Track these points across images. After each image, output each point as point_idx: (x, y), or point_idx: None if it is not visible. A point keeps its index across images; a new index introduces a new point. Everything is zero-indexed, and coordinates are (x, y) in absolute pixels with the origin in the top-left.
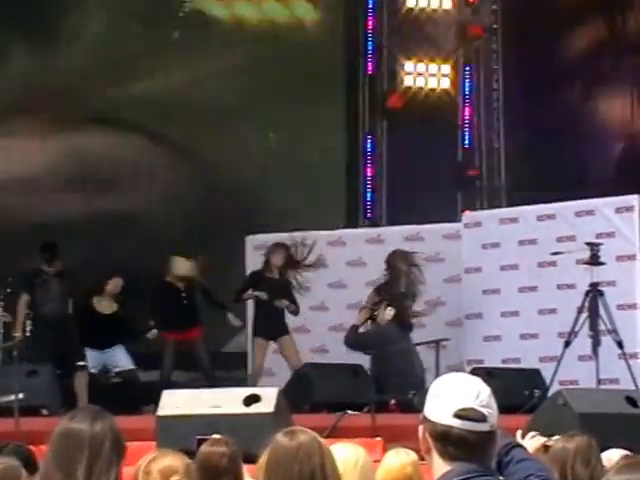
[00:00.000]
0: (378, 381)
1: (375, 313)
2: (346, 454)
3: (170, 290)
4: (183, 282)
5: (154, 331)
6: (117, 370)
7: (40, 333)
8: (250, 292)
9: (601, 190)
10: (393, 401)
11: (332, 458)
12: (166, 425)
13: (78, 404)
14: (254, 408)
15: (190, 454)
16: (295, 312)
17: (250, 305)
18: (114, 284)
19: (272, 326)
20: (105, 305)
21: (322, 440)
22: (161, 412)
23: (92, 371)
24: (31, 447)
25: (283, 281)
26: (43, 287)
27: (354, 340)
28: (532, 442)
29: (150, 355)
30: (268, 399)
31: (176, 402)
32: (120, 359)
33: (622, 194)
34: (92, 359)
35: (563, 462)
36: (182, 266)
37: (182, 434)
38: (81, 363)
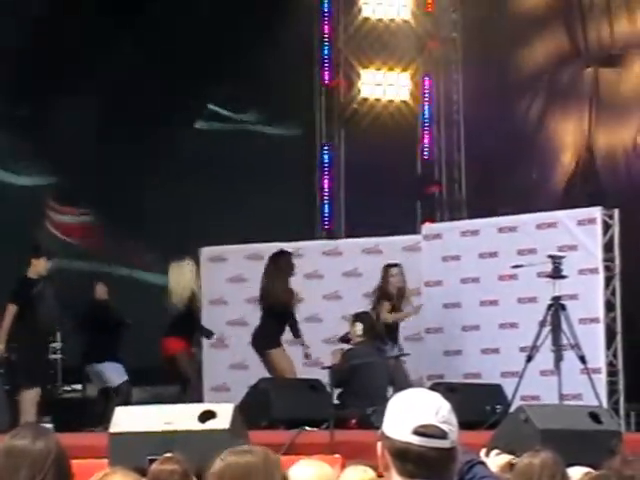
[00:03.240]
0: (338, 397)
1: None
2: (310, 472)
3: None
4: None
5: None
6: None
7: (38, 347)
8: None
9: (561, 203)
10: (354, 420)
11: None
12: (119, 442)
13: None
14: (209, 424)
15: (142, 472)
16: None
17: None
18: (101, 290)
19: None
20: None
21: (275, 458)
22: (114, 429)
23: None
24: None
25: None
26: (40, 297)
27: (335, 382)
28: (497, 460)
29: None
30: (224, 415)
31: (130, 418)
32: (117, 375)
33: (581, 207)
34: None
35: (529, 478)
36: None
37: (135, 451)
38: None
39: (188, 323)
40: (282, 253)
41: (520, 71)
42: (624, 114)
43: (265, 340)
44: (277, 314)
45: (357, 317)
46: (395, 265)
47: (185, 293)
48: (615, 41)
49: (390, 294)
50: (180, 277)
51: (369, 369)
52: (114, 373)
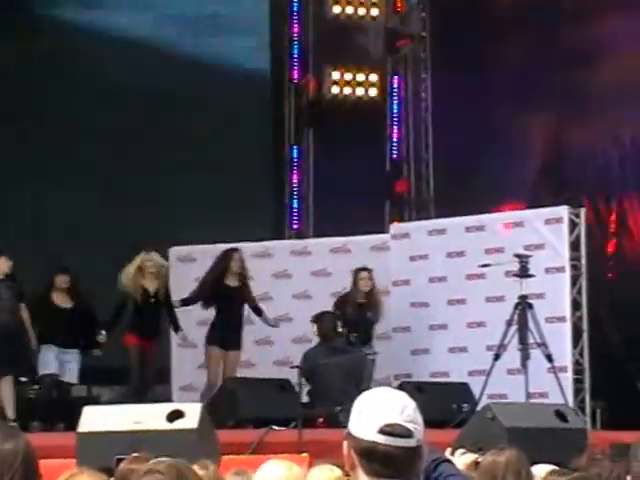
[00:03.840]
0: (307, 395)
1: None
2: (279, 472)
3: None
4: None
5: (103, 333)
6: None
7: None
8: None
9: (529, 202)
10: (321, 419)
11: None
12: (86, 442)
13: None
14: (178, 424)
15: (110, 472)
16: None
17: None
18: (62, 279)
19: (227, 337)
20: (62, 299)
21: (189, 472)
22: (82, 429)
23: (49, 372)
24: None
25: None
26: None
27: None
28: (462, 459)
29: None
30: (192, 415)
31: (97, 418)
32: (72, 373)
33: (548, 206)
34: (49, 359)
35: (493, 475)
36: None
37: (103, 451)
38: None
39: (137, 318)
40: (224, 251)
41: (489, 69)
42: (593, 114)
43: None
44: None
45: (315, 318)
46: (364, 269)
47: (128, 288)
48: (585, 40)
49: (352, 299)
50: (125, 271)
51: (326, 370)
52: (41, 361)
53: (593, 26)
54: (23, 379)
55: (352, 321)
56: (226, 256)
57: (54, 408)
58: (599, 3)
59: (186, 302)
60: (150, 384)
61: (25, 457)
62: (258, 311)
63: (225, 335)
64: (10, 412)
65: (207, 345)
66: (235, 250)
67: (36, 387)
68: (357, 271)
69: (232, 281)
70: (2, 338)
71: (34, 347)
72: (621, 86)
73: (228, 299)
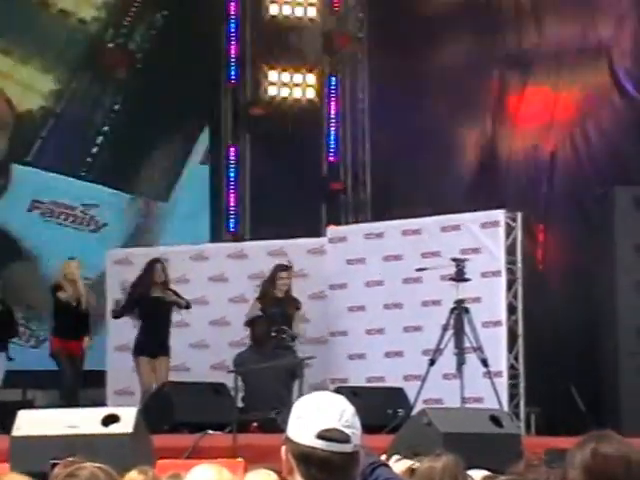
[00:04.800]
0: (242, 400)
1: None
2: (208, 476)
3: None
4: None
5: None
6: None
7: None
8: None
9: (465, 205)
10: (255, 424)
11: None
12: (20, 446)
13: None
14: (113, 428)
15: (44, 477)
16: (187, 306)
17: (115, 321)
18: None
19: (152, 345)
20: None
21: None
22: (16, 432)
23: None
24: None
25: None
26: None
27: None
28: (397, 465)
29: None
30: (127, 419)
31: (32, 422)
32: None
33: (485, 209)
34: None
35: None
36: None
37: (37, 456)
38: None
39: (58, 321)
40: (147, 264)
41: (427, 72)
42: (528, 119)
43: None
44: None
45: (249, 322)
46: (286, 268)
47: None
48: (522, 47)
49: (269, 296)
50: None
51: (259, 374)
52: None
53: (530, 32)
54: None
55: (274, 316)
56: (149, 269)
57: None
58: (537, 9)
59: (116, 315)
60: (78, 387)
61: None
62: (187, 307)
63: (152, 343)
64: None
65: (135, 356)
66: (157, 261)
67: None
68: (276, 269)
69: (156, 292)
70: None
71: None
72: (555, 95)
73: (153, 309)
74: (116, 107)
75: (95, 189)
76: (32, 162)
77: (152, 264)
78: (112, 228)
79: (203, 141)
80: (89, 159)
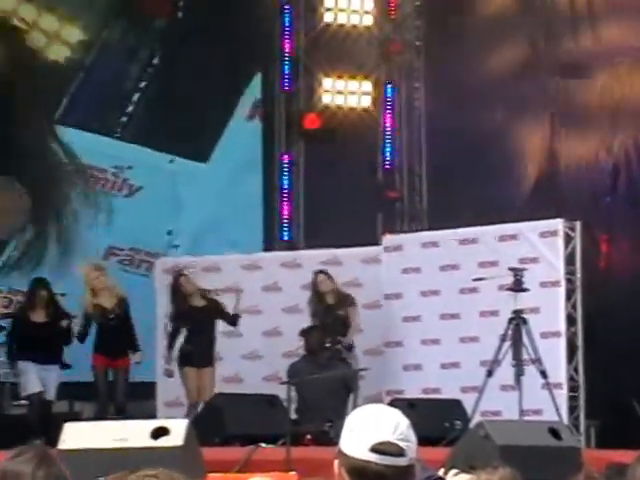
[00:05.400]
0: (295, 412)
1: None
2: None
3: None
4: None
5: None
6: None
7: None
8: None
9: (523, 214)
10: (309, 436)
11: None
12: (68, 460)
13: None
14: (162, 441)
15: None
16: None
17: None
18: (41, 294)
19: (198, 355)
20: (39, 314)
21: None
22: (63, 446)
23: (35, 391)
24: None
25: (211, 304)
26: None
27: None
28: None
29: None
30: (177, 432)
31: (79, 435)
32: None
33: (544, 218)
34: (31, 377)
35: None
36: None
37: (85, 469)
38: None
39: (97, 334)
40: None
41: (483, 79)
42: (587, 126)
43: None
44: None
45: (303, 332)
46: (320, 271)
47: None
48: (579, 52)
49: (319, 297)
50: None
51: (309, 385)
52: (29, 379)
53: (586, 36)
54: None
55: (327, 323)
56: (176, 279)
57: (34, 425)
58: (593, 12)
59: (171, 336)
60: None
61: None
62: (234, 321)
63: (196, 353)
64: None
65: (180, 366)
66: (181, 275)
67: (22, 403)
68: (313, 277)
69: (197, 301)
70: None
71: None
72: (616, 99)
73: (195, 319)
74: (154, 60)
75: (129, 149)
76: (59, 120)
77: (176, 276)
78: (148, 192)
79: (250, 94)
80: (123, 118)
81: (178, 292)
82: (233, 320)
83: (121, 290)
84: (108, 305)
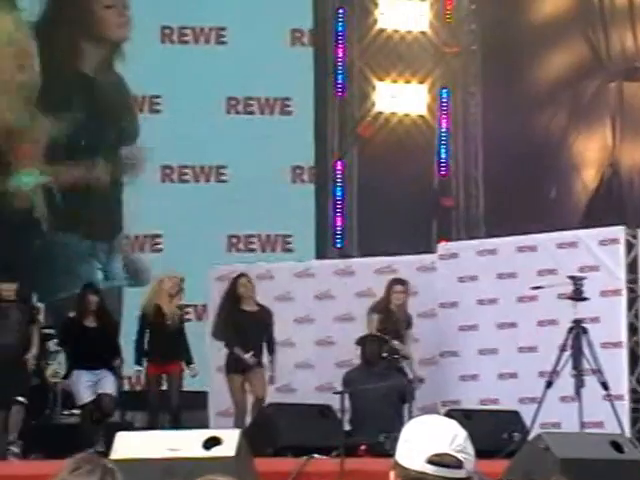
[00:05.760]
0: (349, 422)
1: None
2: None
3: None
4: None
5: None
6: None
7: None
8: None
9: (583, 221)
10: (363, 446)
11: None
12: (119, 469)
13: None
14: (214, 452)
15: None
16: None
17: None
18: (92, 299)
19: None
20: (90, 320)
21: None
22: (114, 455)
23: (87, 401)
24: None
25: (261, 313)
26: (1, 317)
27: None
28: None
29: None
30: (229, 442)
31: (131, 445)
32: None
33: (604, 225)
34: (83, 387)
35: None
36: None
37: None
38: (20, 399)
39: (150, 342)
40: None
41: (541, 84)
42: None
43: None
44: None
45: (360, 340)
46: (401, 282)
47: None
48: (639, 53)
49: (387, 309)
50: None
51: (364, 395)
52: (81, 387)
53: None
54: (21, 399)
55: (392, 330)
56: (233, 283)
57: (86, 434)
58: None
59: (215, 335)
60: (176, 409)
61: None
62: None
63: (240, 358)
64: (11, 438)
65: (226, 374)
66: (242, 275)
67: (75, 412)
68: (392, 282)
69: (249, 306)
70: (5, 362)
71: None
72: None
73: (245, 323)
74: None
75: None
76: None
77: (234, 279)
78: None
79: None
80: None
81: (232, 295)
82: (271, 347)
83: (181, 299)
84: (168, 311)
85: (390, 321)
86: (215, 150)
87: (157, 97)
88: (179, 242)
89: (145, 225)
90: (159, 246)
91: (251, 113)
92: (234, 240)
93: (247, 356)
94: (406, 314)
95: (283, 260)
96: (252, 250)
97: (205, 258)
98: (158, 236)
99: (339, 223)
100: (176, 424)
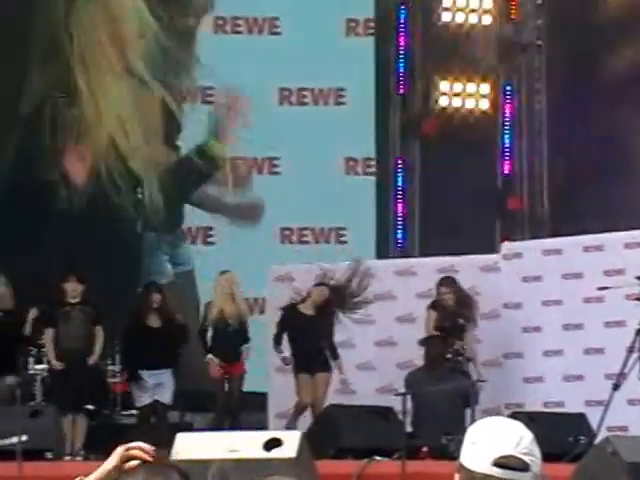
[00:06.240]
0: (411, 424)
1: None
2: None
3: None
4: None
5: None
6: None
7: (56, 373)
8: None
9: None
10: (425, 448)
11: None
12: None
13: (69, 446)
14: (275, 453)
15: None
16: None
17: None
18: (155, 298)
19: (311, 360)
20: (154, 319)
21: None
22: (175, 456)
23: (147, 402)
24: None
25: (321, 320)
26: (65, 320)
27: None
28: None
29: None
30: (290, 443)
31: (191, 446)
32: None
33: None
34: (143, 385)
35: None
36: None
37: None
38: (90, 407)
39: (215, 342)
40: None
41: (607, 79)
42: None
43: None
44: None
45: (422, 341)
46: (444, 282)
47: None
48: None
49: (442, 306)
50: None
51: (427, 397)
52: (140, 389)
53: None
54: (89, 407)
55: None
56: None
57: (146, 435)
58: None
59: (275, 341)
60: (236, 411)
61: None
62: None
63: (308, 359)
64: (78, 444)
65: (294, 373)
66: (321, 284)
67: (133, 412)
68: (437, 285)
69: (308, 309)
70: (71, 366)
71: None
72: None
73: (302, 328)
74: None
75: None
76: None
77: (318, 285)
78: None
79: None
80: None
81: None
82: (334, 353)
83: (244, 302)
84: (229, 312)
85: (447, 318)
86: (268, 142)
87: (210, 88)
88: (233, 233)
89: (200, 217)
90: (212, 239)
91: (304, 104)
92: (287, 232)
93: (283, 356)
94: (463, 308)
95: (336, 253)
96: (306, 242)
97: (258, 251)
98: (211, 228)
99: (400, 222)
100: (235, 425)
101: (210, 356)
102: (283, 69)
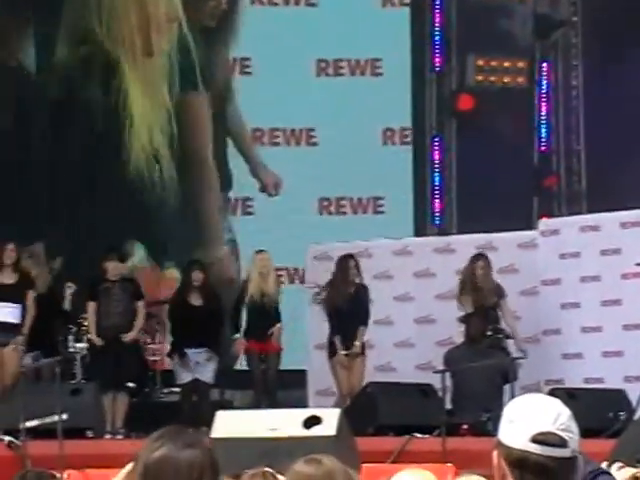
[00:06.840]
0: (451, 401)
1: None
2: None
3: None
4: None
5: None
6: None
7: (97, 351)
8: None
9: None
10: (465, 425)
11: None
12: (219, 448)
13: (110, 424)
14: (315, 431)
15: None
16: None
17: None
18: (197, 276)
19: (346, 343)
20: (195, 297)
21: (353, 473)
22: (215, 434)
23: (188, 380)
24: (55, 474)
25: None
26: (105, 296)
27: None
28: (620, 474)
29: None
30: (329, 421)
31: (231, 424)
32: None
33: None
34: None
35: None
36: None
37: (237, 458)
38: (130, 384)
39: (249, 320)
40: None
41: None
42: None
43: None
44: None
45: (464, 318)
46: (479, 257)
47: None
48: None
49: (475, 288)
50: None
51: (466, 374)
52: (180, 368)
53: None
54: (131, 384)
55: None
56: (340, 265)
57: (187, 413)
58: None
59: (318, 302)
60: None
61: (202, 470)
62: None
63: (343, 342)
64: (119, 422)
65: (329, 357)
66: (349, 257)
67: (175, 390)
68: (471, 260)
69: (350, 289)
70: (111, 343)
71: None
72: None
73: (344, 307)
74: None
75: None
76: None
77: (343, 260)
78: None
79: None
80: None
81: (338, 276)
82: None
83: (277, 282)
84: (266, 291)
85: (481, 299)
86: (305, 113)
87: (247, 59)
88: (271, 205)
89: (238, 187)
90: (251, 209)
91: (341, 75)
92: (325, 203)
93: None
94: (494, 286)
95: (374, 223)
96: (343, 213)
97: (297, 221)
98: (250, 199)
99: (438, 199)
100: (273, 403)
101: (237, 335)
102: (320, 40)
